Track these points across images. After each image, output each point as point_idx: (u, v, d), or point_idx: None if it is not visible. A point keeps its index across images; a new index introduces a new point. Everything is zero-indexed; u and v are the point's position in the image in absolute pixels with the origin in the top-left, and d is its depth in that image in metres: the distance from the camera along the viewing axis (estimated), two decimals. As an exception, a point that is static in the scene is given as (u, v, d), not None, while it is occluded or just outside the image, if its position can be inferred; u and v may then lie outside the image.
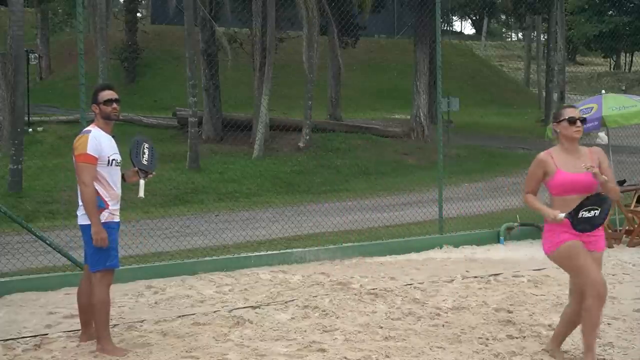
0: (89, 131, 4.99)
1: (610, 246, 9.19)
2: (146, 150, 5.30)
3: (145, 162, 5.25)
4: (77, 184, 4.97)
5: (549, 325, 5.52)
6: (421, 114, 22.36)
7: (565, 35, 30.14)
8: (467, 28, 71.15)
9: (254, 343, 5.16)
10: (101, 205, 4.92)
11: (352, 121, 23.53)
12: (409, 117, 23.56)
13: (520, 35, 59.14)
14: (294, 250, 8.59)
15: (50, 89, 28.05)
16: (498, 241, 9.61)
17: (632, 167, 13.91)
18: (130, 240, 8.19)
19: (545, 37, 35.75)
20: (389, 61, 33.87)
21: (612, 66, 49.71)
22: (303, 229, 10.17)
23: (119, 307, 6.20)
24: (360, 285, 6.97)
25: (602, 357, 4.84)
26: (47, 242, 7.24)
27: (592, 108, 9.69)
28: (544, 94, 30.92)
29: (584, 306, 4.47)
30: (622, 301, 6.31)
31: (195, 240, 9.21)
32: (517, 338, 5.26)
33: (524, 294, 6.60)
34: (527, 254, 8.84)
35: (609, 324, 5.58)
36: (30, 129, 20.18)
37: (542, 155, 4.77)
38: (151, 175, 5.29)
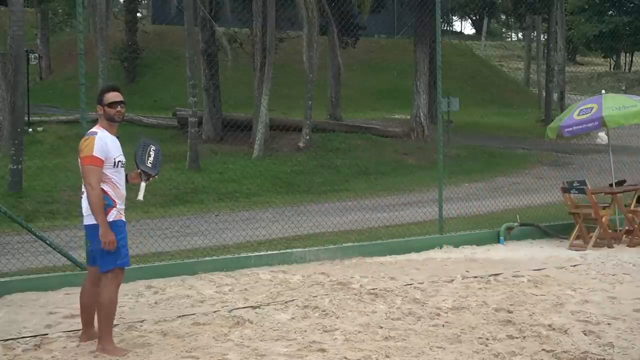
0: (95, 133, 4.96)
1: (610, 246, 9.20)
2: (152, 153, 5.29)
3: (149, 165, 5.24)
4: (79, 185, 4.97)
5: (549, 325, 5.52)
6: (421, 114, 22.35)
7: (565, 35, 30.15)
8: (467, 28, 71.20)
9: (254, 343, 5.16)
10: (110, 204, 4.93)
11: (352, 121, 23.53)
12: (409, 117, 23.56)
13: (520, 35, 59.16)
14: (294, 250, 8.58)
15: (50, 89, 28.06)
16: (498, 241, 9.60)
17: (632, 167, 13.91)
18: (130, 240, 8.07)
19: (545, 37, 35.76)
20: (389, 61, 33.87)
21: (612, 66, 49.73)
22: (303, 229, 10.17)
23: (119, 307, 6.14)
24: (360, 285, 6.97)
25: (602, 357, 4.84)
26: (47, 242, 7.24)
27: (592, 108, 9.69)
28: (544, 94, 30.92)
29: None
30: (622, 301, 6.31)
31: (195, 240, 9.21)
32: (517, 338, 5.26)
33: (524, 294, 6.59)
34: (527, 254, 8.85)
35: (609, 324, 5.59)
36: (30, 129, 20.18)
37: None
38: (152, 179, 5.29)
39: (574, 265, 8.01)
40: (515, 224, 9.91)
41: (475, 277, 7.36)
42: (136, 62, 29.65)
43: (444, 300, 6.35)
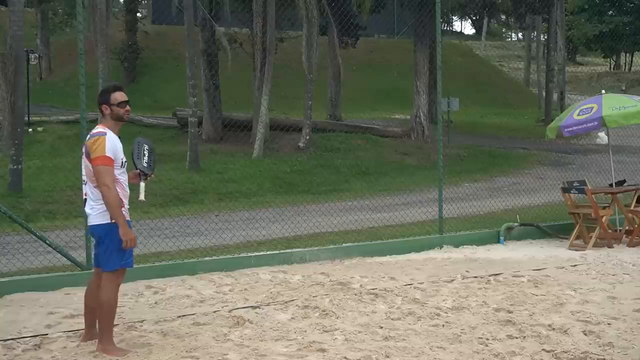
0: (104, 133, 4.94)
1: (610, 246, 9.20)
2: (146, 152, 5.28)
3: (145, 165, 5.24)
4: (79, 184, 4.96)
5: (549, 325, 5.52)
6: (421, 114, 22.34)
7: (565, 35, 30.15)
8: (467, 28, 71.22)
9: (254, 343, 5.16)
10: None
11: (352, 121, 23.53)
12: (409, 117, 23.56)
13: (520, 35, 59.14)
14: (294, 250, 8.58)
15: (50, 89, 28.07)
16: (498, 241, 9.60)
17: (632, 167, 13.91)
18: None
19: (545, 37, 35.76)
20: (389, 61, 33.86)
21: (612, 66, 49.71)
22: (303, 229, 10.17)
23: (119, 307, 6.14)
24: (360, 285, 6.97)
25: (602, 357, 4.84)
26: (47, 242, 7.24)
27: (592, 108, 9.69)
28: (544, 94, 30.92)
29: None
30: (622, 301, 6.31)
31: (195, 240, 9.21)
32: (517, 338, 5.25)
33: (524, 294, 6.59)
34: (527, 254, 8.84)
35: (609, 324, 5.59)
36: (30, 129, 20.18)
37: None
38: (150, 178, 5.29)
39: (574, 265, 8.01)
40: (515, 224, 9.91)
41: (475, 277, 7.36)
42: (136, 62, 29.65)
43: (444, 300, 6.35)
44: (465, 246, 9.28)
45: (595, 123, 9.52)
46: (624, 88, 36.41)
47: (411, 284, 7.03)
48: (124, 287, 6.90)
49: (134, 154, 5.20)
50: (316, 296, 6.53)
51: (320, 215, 11.09)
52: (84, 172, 5.02)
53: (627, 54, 46.95)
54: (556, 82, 28.32)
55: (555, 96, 28.37)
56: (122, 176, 4.99)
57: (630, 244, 9.28)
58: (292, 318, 5.84)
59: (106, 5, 18.69)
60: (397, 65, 32.40)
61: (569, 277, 7.39)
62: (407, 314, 5.92)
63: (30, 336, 5.42)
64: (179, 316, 5.94)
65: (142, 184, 5.21)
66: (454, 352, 4.94)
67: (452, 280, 7.21)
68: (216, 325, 5.64)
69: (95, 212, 4.94)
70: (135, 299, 6.60)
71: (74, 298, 6.63)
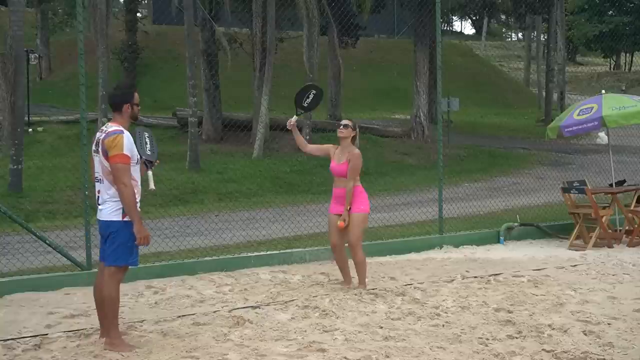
0: (122, 131, 4.99)
1: (610, 246, 9.20)
2: (147, 140, 5.34)
3: (149, 152, 5.29)
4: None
5: (549, 325, 5.52)
6: (421, 114, 22.34)
7: (565, 35, 30.14)
8: (467, 28, 71.17)
9: (254, 343, 5.16)
10: None
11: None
12: (409, 117, 23.55)
13: (520, 35, 59.12)
14: (294, 250, 8.58)
15: (50, 89, 28.05)
16: (498, 241, 9.60)
17: (632, 167, 13.91)
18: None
19: (545, 37, 35.76)
20: (389, 61, 33.85)
21: (612, 66, 49.69)
22: (303, 229, 10.17)
23: (119, 307, 6.19)
24: (360, 285, 6.97)
25: (602, 357, 4.84)
26: (47, 242, 7.24)
27: (592, 108, 9.69)
28: (544, 94, 30.91)
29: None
30: (622, 301, 6.31)
31: (195, 240, 9.21)
32: (517, 338, 5.26)
33: (524, 294, 6.60)
34: (527, 254, 8.85)
35: (609, 324, 5.59)
36: (30, 129, 20.17)
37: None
38: (155, 165, 5.34)
39: (574, 265, 8.01)
40: (515, 224, 9.91)
41: (475, 277, 7.36)
42: (136, 62, 29.63)
43: (444, 300, 6.35)
44: (465, 246, 9.28)
45: (595, 123, 9.52)
46: (624, 88, 36.40)
47: (411, 284, 7.03)
48: (124, 287, 6.89)
49: (136, 143, 5.23)
50: (316, 296, 6.53)
51: (320, 215, 11.06)
52: (98, 170, 5.04)
53: (627, 54, 46.93)
54: (556, 82, 28.31)
55: (555, 96, 28.37)
56: (136, 173, 5.06)
57: (630, 244, 9.28)
58: (292, 318, 5.84)
59: (106, 5, 18.70)
60: (397, 65, 32.40)
61: (569, 277, 7.39)
62: (407, 314, 5.93)
63: (30, 336, 5.42)
64: (179, 316, 5.94)
65: (150, 173, 5.28)
66: (454, 352, 4.94)
67: (452, 280, 7.21)
68: (216, 325, 5.64)
69: (110, 209, 4.99)
70: (135, 299, 6.60)
71: (74, 298, 6.63)
